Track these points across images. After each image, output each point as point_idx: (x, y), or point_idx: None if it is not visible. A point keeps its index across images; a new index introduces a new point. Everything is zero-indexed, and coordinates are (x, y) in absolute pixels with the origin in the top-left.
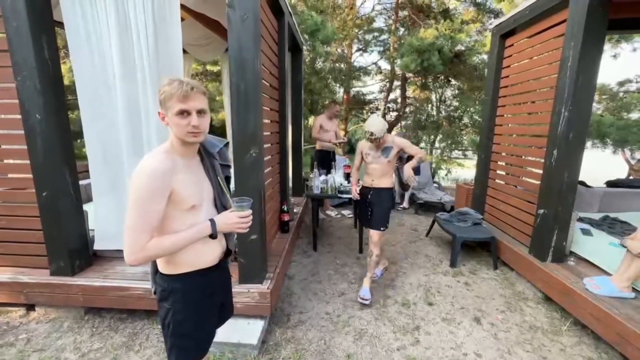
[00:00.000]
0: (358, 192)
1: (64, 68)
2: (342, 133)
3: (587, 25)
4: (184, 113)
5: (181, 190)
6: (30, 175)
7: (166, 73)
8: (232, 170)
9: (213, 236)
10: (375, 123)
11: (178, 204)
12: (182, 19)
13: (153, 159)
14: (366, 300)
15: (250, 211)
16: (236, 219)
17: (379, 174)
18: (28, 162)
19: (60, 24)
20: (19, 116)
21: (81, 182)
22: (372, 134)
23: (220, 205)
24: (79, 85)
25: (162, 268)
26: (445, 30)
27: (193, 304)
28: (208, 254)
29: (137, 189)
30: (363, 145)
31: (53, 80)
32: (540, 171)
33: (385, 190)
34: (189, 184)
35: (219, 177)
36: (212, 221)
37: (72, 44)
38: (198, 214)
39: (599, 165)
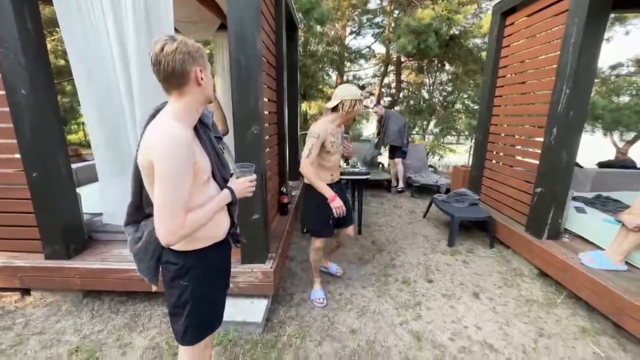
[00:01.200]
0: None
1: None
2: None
3: (592, 1)
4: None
5: (200, 160)
6: (18, 156)
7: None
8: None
9: (233, 202)
10: (353, 88)
11: (197, 175)
12: None
13: (175, 128)
14: (320, 302)
15: (255, 175)
16: (247, 183)
17: (338, 166)
18: (15, 141)
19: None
20: (3, 92)
21: (73, 166)
22: (359, 102)
23: (220, 177)
24: (74, 63)
25: (178, 245)
26: (443, 11)
27: (211, 278)
28: (222, 227)
29: (169, 162)
30: (325, 130)
31: (38, 54)
32: (539, 151)
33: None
34: (200, 155)
35: (217, 149)
36: (229, 189)
37: (62, 17)
38: (210, 186)
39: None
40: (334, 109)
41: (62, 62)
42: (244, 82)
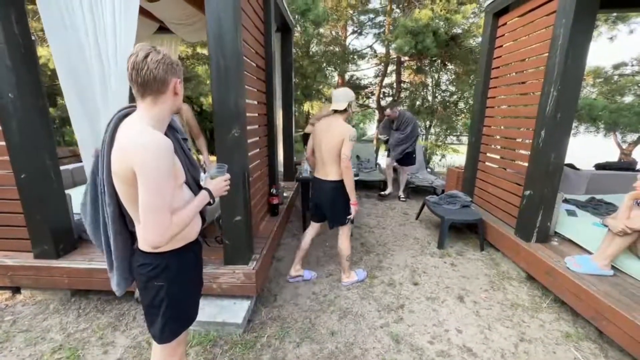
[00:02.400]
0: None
1: (48, 51)
2: None
3: (579, 1)
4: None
5: (178, 165)
6: (7, 158)
7: (122, 47)
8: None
9: (211, 203)
10: (350, 90)
11: (176, 179)
12: None
13: (156, 135)
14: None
15: (228, 175)
16: (222, 182)
17: None
18: (3, 143)
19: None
20: None
21: (68, 167)
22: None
23: (191, 177)
24: (59, 67)
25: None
26: (441, 11)
27: (185, 277)
28: (195, 228)
29: (154, 168)
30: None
31: (25, 58)
32: (529, 153)
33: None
34: (176, 158)
35: (186, 151)
36: (206, 189)
37: (46, 20)
38: (185, 189)
39: (591, 149)
40: (338, 110)
41: None
42: (224, 84)
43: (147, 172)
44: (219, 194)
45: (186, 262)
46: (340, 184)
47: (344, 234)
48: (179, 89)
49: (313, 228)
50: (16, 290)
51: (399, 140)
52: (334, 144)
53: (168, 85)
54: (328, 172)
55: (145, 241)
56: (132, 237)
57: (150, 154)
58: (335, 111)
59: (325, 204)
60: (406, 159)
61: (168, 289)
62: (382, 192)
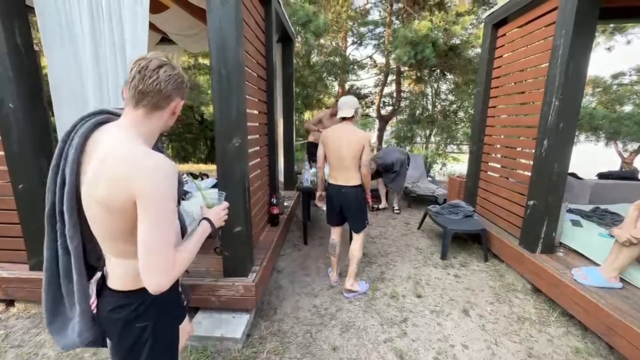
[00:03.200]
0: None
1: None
2: None
3: (579, 12)
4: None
5: None
6: (5, 168)
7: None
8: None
9: (212, 235)
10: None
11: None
12: (166, 7)
13: (160, 156)
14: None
15: (227, 203)
16: (223, 212)
17: None
18: (2, 153)
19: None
20: None
21: None
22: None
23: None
24: (51, 75)
25: (136, 284)
26: (440, 22)
27: (170, 311)
28: None
29: (164, 195)
30: None
31: (27, 68)
32: (531, 162)
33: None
34: None
35: None
36: (207, 219)
37: (44, 29)
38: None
39: (592, 159)
40: (346, 117)
41: None
42: (225, 94)
43: (156, 203)
44: (219, 224)
45: (170, 295)
46: (361, 188)
47: (361, 238)
48: (179, 109)
49: (337, 233)
50: (10, 302)
51: (392, 178)
52: (354, 150)
53: (170, 103)
54: (349, 178)
55: (150, 286)
56: (88, 274)
57: (158, 179)
58: (344, 119)
59: (351, 208)
60: (394, 182)
61: (154, 328)
62: (375, 206)
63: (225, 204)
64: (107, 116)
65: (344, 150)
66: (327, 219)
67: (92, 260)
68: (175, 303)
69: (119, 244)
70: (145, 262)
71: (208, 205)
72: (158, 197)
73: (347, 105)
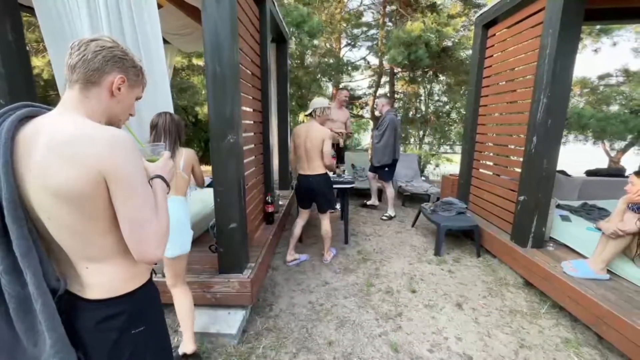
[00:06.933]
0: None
1: (42, 61)
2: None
3: (565, 13)
4: (137, 99)
5: None
6: None
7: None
8: (182, 162)
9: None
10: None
11: None
12: (160, 6)
13: (112, 128)
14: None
15: (168, 152)
16: (169, 162)
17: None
18: None
19: (29, 9)
20: None
21: None
22: (327, 108)
23: None
24: (58, 77)
25: (123, 287)
26: (432, 23)
27: (160, 311)
28: None
29: (133, 166)
30: None
31: (19, 66)
32: (521, 159)
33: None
34: None
35: None
36: (159, 177)
37: (46, 30)
38: None
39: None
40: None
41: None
42: (220, 91)
43: (129, 172)
44: (170, 177)
45: (155, 296)
46: (327, 175)
47: (327, 218)
48: (122, 91)
49: (303, 216)
50: None
51: (375, 143)
52: (316, 144)
53: (105, 77)
54: (315, 167)
55: (146, 259)
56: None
57: (122, 152)
58: (310, 116)
59: (319, 193)
60: (381, 170)
61: (150, 331)
62: (366, 202)
63: (167, 153)
64: (31, 109)
65: (308, 144)
66: (298, 203)
67: (52, 282)
68: (157, 300)
69: (94, 239)
70: (138, 237)
71: (150, 160)
72: (131, 169)
73: (311, 106)
